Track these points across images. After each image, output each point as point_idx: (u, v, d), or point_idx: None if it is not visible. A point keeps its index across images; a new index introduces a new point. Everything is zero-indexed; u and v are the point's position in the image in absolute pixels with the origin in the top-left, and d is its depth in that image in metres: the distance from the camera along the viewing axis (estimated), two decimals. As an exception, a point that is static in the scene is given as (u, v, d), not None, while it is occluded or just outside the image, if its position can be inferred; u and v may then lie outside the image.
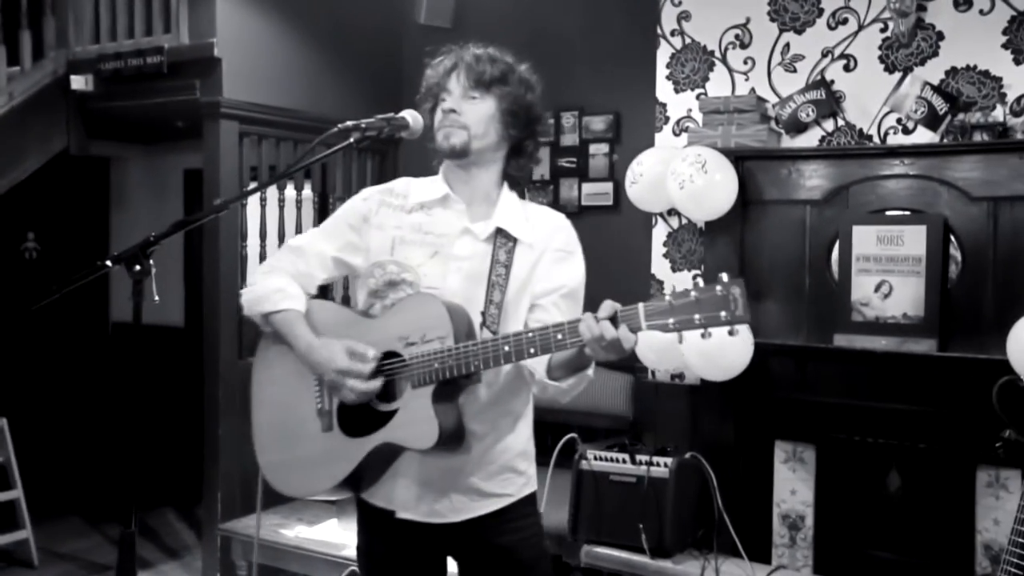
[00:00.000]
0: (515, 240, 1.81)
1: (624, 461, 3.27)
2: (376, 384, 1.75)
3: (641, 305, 1.54)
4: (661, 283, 3.82)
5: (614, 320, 1.54)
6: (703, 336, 1.48)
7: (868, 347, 3.16)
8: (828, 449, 3.36)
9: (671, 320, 1.50)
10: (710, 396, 3.53)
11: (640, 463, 3.24)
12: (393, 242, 1.84)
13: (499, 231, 1.82)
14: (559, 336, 1.60)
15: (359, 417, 1.78)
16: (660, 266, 3.83)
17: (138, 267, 1.71)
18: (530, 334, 1.62)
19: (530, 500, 1.92)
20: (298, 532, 3.71)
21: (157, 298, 1.75)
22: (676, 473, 3.21)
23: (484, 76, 1.80)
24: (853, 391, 3.25)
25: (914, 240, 3.14)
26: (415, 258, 1.82)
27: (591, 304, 1.70)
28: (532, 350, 1.62)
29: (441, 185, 1.87)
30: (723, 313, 1.46)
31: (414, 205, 1.86)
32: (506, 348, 1.63)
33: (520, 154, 1.88)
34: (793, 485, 3.39)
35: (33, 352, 5.46)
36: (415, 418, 1.71)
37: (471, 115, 1.80)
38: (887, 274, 3.18)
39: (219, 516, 3.95)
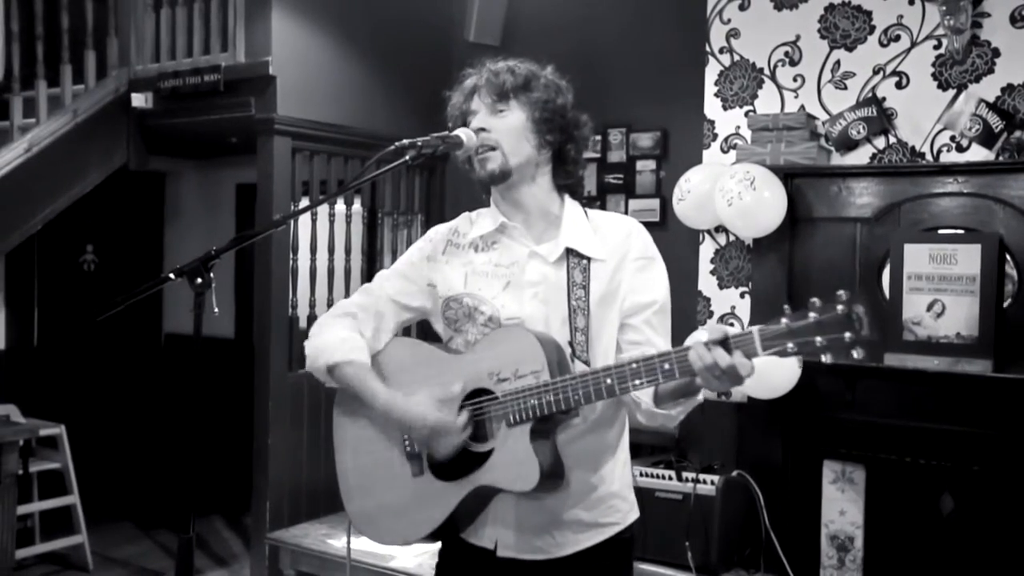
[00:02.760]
0: (588, 259, 1.72)
1: (670, 478, 3.26)
2: (468, 431, 1.67)
3: (756, 329, 1.42)
4: (708, 300, 3.81)
5: (727, 346, 1.43)
6: (823, 359, 1.39)
7: (920, 367, 3.12)
8: (878, 470, 3.31)
9: (790, 344, 1.39)
10: (757, 414, 3.51)
11: (686, 480, 3.23)
12: (466, 277, 1.77)
13: (569, 251, 1.72)
14: (666, 366, 1.49)
15: (453, 460, 1.70)
16: (707, 283, 3.82)
17: (199, 280, 1.72)
18: (634, 365, 1.51)
19: (633, 530, 1.83)
20: (345, 543, 3.75)
21: (217, 310, 1.77)
22: (723, 491, 3.19)
23: (506, 86, 1.72)
24: (904, 411, 3.20)
25: (968, 259, 3.09)
26: (489, 290, 1.74)
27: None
28: (637, 381, 1.52)
29: (495, 215, 1.79)
30: (848, 335, 1.36)
31: (474, 241, 1.80)
32: (608, 381, 1.53)
33: (564, 161, 1.79)
34: (842, 505, 3.34)
35: (90, 362, 5.60)
36: (513, 459, 1.61)
37: (501, 130, 1.72)
38: (940, 293, 3.14)
39: (267, 525, 4.01)
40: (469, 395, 1.69)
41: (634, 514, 1.84)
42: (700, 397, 1.64)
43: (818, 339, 1.37)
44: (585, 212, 1.81)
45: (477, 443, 1.68)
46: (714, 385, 1.47)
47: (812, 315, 1.38)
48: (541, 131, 1.74)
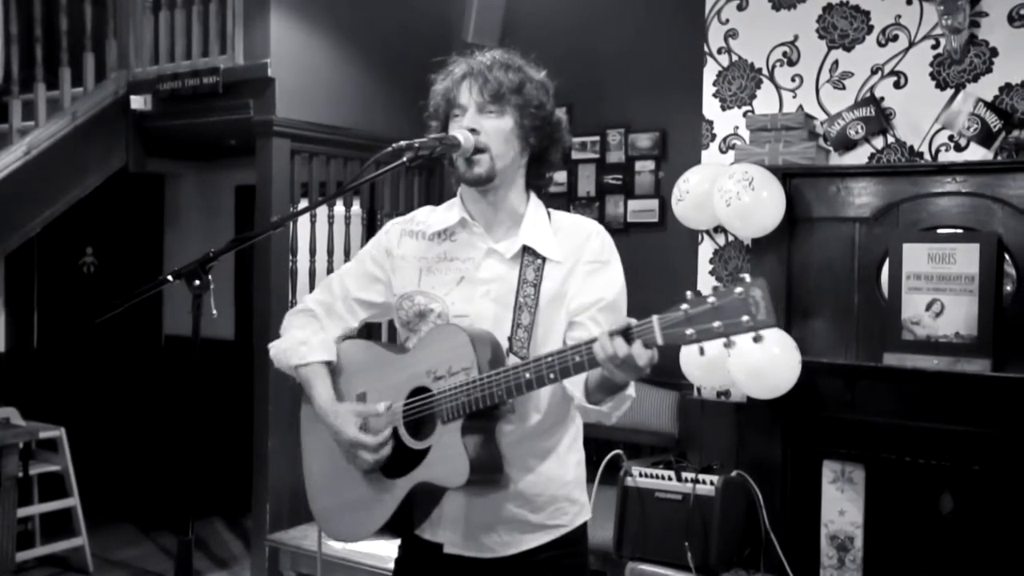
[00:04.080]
0: (543, 258, 1.71)
1: (670, 478, 3.26)
2: (385, 452, 1.71)
3: (656, 317, 1.39)
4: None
5: (628, 336, 1.42)
6: (725, 346, 1.36)
7: (920, 366, 3.12)
8: (878, 469, 3.31)
9: (689, 330, 1.35)
10: (756, 414, 3.51)
11: (686, 480, 3.23)
12: (420, 272, 1.78)
13: (526, 249, 1.72)
14: (577, 358, 1.48)
15: (398, 457, 1.73)
16: (706, 283, 3.82)
17: (197, 282, 1.72)
18: (549, 358, 1.52)
19: (581, 533, 1.82)
20: (344, 544, 3.75)
21: (216, 312, 1.77)
22: (722, 491, 3.19)
23: (501, 88, 1.68)
24: (903, 411, 3.20)
25: (967, 258, 3.09)
26: (442, 286, 1.75)
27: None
28: (552, 375, 1.52)
29: (457, 210, 1.78)
30: (744, 318, 1.31)
31: (434, 234, 1.79)
32: (527, 375, 1.54)
33: (541, 163, 1.78)
34: (842, 505, 3.35)
35: (89, 364, 5.60)
36: (446, 455, 1.64)
37: (491, 132, 1.68)
38: (939, 292, 3.14)
39: (267, 527, 4.01)
40: (411, 393, 1.72)
41: (583, 516, 1.82)
42: (630, 392, 1.58)
43: (716, 324, 1.33)
44: (548, 213, 1.80)
45: (417, 440, 1.71)
46: (619, 376, 1.46)
47: (712, 300, 1.34)
48: (526, 136, 1.72)
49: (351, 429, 1.74)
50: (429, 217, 1.84)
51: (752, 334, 1.32)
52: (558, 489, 1.76)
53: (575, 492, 1.80)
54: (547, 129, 1.74)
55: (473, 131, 1.69)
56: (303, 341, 1.85)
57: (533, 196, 1.80)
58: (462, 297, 1.73)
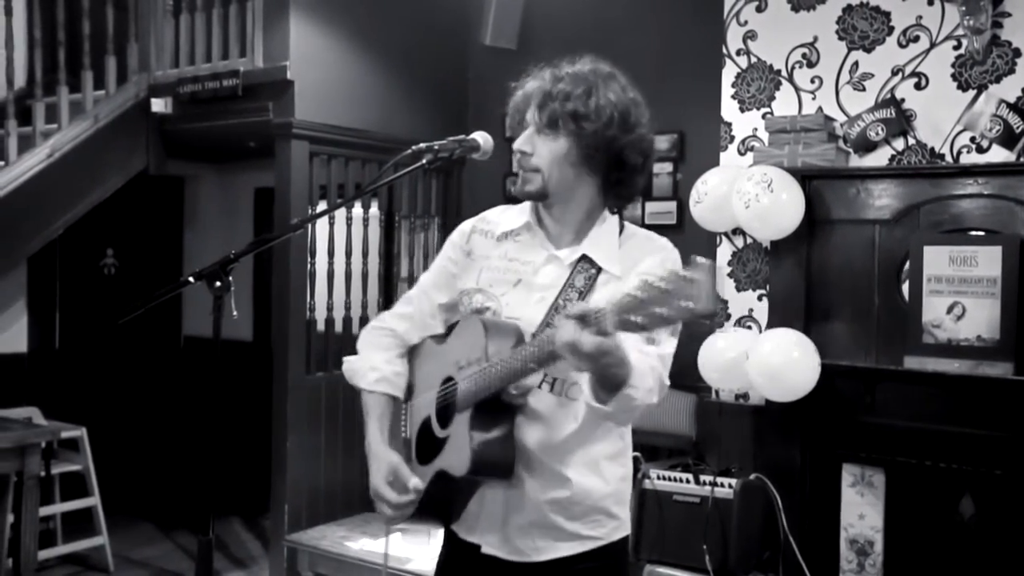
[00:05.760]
0: (599, 268, 1.69)
1: (688, 481, 3.25)
2: (408, 511, 1.74)
3: (611, 303, 1.33)
4: (726, 303, 3.80)
5: (585, 321, 1.36)
6: (671, 334, 1.28)
7: (941, 370, 3.09)
8: (898, 473, 3.28)
9: (639, 317, 1.29)
10: (775, 417, 3.49)
11: (704, 483, 3.22)
12: (482, 271, 1.79)
13: (584, 257, 1.70)
14: (550, 346, 1.45)
15: (431, 444, 1.76)
16: (725, 286, 3.81)
17: (218, 283, 1.73)
18: (532, 348, 1.52)
19: (620, 547, 1.79)
20: (362, 545, 3.77)
21: (236, 313, 1.79)
22: (741, 494, 3.17)
23: (555, 113, 1.66)
24: (924, 415, 3.17)
25: (989, 261, 3.07)
26: (500, 286, 1.76)
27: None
28: (532, 365, 1.52)
29: (525, 213, 1.79)
30: (686, 303, 1.24)
31: (501, 234, 1.80)
32: (516, 365, 1.54)
33: (610, 183, 1.72)
34: (861, 509, 3.32)
35: (111, 364, 5.65)
36: (456, 444, 1.67)
37: (544, 155, 1.69)
38: (960, 295, 3.11)
39: (286, 527, 4.03)
40: (443, 381, 1.76)
41: (622, 531, 1.80)
42: (629, 392, 1.49)
43: (661, 310, 1.27)
44: (622, 227, 1.77)
45: (443, 429, 1.74)
46: (572, 363, 1.41)
47: (660, 284, 1.28)
48: (583, 163, 1.69)
49: (378, 478, 1.76)
50: (500, 217, 1.85)
51: (693, 319, 1.26)
52: (596, 501, 1.73)
53: (614, 507, 1.77)
54: (608, 154, 1.69)
55: (524, 153, 1.70)
56: (374, 367, 1.87)
57: (608, 214, 1.76)
58: (517, 299, 1.73)
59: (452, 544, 1.85)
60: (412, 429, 1.84)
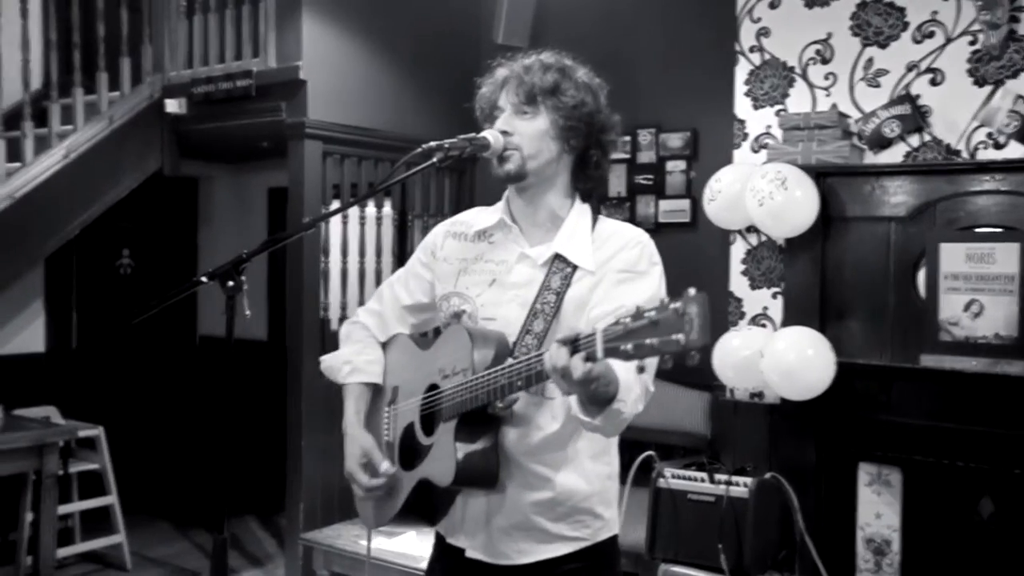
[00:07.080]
0: (574, 266, 1.68)
1: (703, 480, 3.24)
2: (377, 494, 1.79)
3: (599, 330, 1.31)
4: (740, 301, 3.78)
5: (575, 346, 1.35)
6: (661, 365, 1.26)
7: (958, 368, 3.06)
8: (915, 472, 3.26)
9: (627, 345, 1.27)
10: (790, 416, 3.47)
11: (719, 482, 3.21)
12: (458, 273, 1.79)
13: (557, 256, 1.70)
14: (539, 367, 1.43)
15: (414, 450, 1.76)
16: (739, 284, 3.79)
17: (231, 283, 1.74)
18: (518, 364, 1.49)
19: (607, 548, 1.77)
20: (377, 543, 3.77)
21: (249, 312, 1.79)
22: (756, 493, 3.16)
23: (533, 89, 1.69)
24: (941, 413, 3.15)
25: (1006, 258, 3.04)
26: (475, 287, 1.75)
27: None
28: (519, 382, 1.49)
29: (498, 211, 1.79)
30: (677, 336, 1.21)
31: (474, 234, 1.81)
32: (503, 380, 1.51)
33: (586, 165, 1.75)
34: (878, 508, 3.30)
35: (127, 364, 5.69)
36: (440, 453, 1.66)
37: (523, 133, 1.70)
38: (977, 293, 3.09)
39: (301, 526, 4.04)
40: (428, 389, 1.75)
41: (608, 531, 1.77)
42: (617, 407, 1.48)
43: (651, 340, 1.24)
44: (595, 219, 1.76)
45: (427, 437, 1.74)
46: (563, 387, 1.40)
47: (651, 314, 1.25)
48: (564, 136, 1.71)
49: (352, 461, 1.81)
50: (474, 217, 1.85)
51: (686, 357, 1.23)
52: (580, 501, 1.71)
53: (599, 506, 1.74)
54: (586, 130, 1.72)
55: (505, 133, 1.70)
56: (347, 360, 1.91)
57: (578, 201, 1.77)
58: (492, 300, 1.73)
59: (439, 547, 1.86)
60: (395, 433, 1.84)
